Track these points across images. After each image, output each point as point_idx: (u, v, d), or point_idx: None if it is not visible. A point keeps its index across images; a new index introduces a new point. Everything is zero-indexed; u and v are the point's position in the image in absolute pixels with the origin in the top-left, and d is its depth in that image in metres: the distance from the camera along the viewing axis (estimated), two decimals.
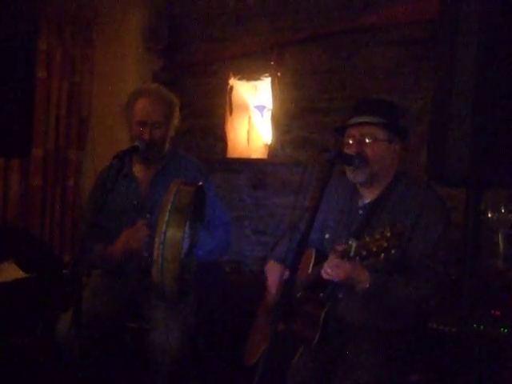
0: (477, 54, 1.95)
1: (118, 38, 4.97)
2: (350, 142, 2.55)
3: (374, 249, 2.12)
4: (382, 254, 2.12)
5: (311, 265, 2.62)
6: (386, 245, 2.10)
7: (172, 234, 2.51)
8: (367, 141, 2.51)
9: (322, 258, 2.56)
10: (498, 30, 1.90)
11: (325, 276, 2.37)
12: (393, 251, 2.10)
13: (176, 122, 3.07)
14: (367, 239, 2.15)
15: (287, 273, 2.19)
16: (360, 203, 2.64)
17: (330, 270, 2.34)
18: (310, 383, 2.50)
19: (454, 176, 2.06)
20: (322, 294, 2.56)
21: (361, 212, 2.61)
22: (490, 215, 2.84)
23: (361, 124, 2.54)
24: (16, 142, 4.61)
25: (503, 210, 2.82)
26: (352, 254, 2.20)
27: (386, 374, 2.40)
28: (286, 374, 2.55)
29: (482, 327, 2.66)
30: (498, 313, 2.71)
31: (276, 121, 4.47)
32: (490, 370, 2.56)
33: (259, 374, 1.93)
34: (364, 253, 2.17)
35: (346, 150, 2.55)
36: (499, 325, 2.66)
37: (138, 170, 3.08)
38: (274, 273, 2.77)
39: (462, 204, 2.61)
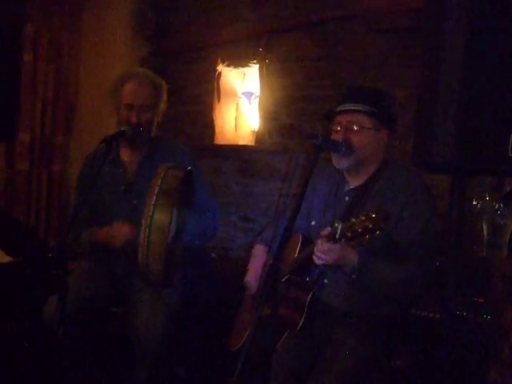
0: (464, 43, 1.96)
1: (106, 23, 4.94)
2: (338, 128, 2.56)
3: (360, 230, 2.14)
4: (367, 235, 2.13)
5: (298, 249, 2.64)
6: (370, 226, 2.11)
7: (159, 218, 2.51)
8: (354, 128, 2.52)
9: (308, 243, 2.58)
10: (486, 17, 1.92)
11: (317, 261, 2.38)
12: (377, 232, 2.11)
13: (163, 106, 3.06)
14: (353, 221, 2.17)
15: (271, 260, 2.21)
16: (346, 189, 2.65)
17: (321, 254, 2.35)
18: (296, 368, 2.51)
19: (439, 163, 2.08)
20: (308, 279, 2.57)
21: (347, 198, 2.62)
22: (474, 203, 2.86)
23: (348, 111, 2.55)
24: (2, 127, 4.59)
25: (488, 198, 2.84)
26: (338, 235, 2.21)
27: (371, 359, 2.43)
28: (271, 358, 2.57)
29: (465, 314, 2.68)
30: (481, 300, 2.74)
31: (264, 108, 4.47)
32: (472, 357, 2.59)
33: (243, 359, 1.94)
34: (349, 234, 2.18)
35: (333, 137, 2.55)
36: (482, 311, 2.69)
37: (125, 154, 3.07)
38: (258, 257, 2.80)
39: (446, 192, 2.64)
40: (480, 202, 2.84)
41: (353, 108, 2.54)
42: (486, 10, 1.90)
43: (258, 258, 2.85)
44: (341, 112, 2.57)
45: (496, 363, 2.56)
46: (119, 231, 2.85)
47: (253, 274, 2.84)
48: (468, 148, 2.01)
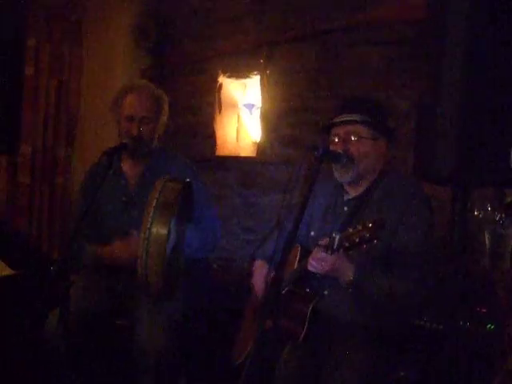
0: (464, 55, 1.96)
1: (107, 35, 4.96)
2: (336, 140, 2.58)
3: (357, 240, 2.16)
4: (365, 245, 2.15)
5: (297, 261, 2.64)
6: (368, 235, 2.13)
7: (157, 231, 2.52)
8: (352, 139, 2.53)
9: (307, 254, 2.58)
10: (486, 30, 1.92)
11: (310, 268, 2.40)
12: (375, 241, 2.13)
13: (165, 118, 3.06)
14: (350, 231, 2.18)
15: (273, 273, 2.21)
16: (345, 199, 2.66)
17: (315, 262, 2.36)
18: (298, 380, 2.50)
19: (441, 174, 2.09)
20: (308, 290, 2.57)
21: (346, 208, 2.63)
22: (476, 213, 2.86)
23: (345, 122, 2.56)
24: (4, 139, 4.58)
25: (489, 209, 2.84)
26: (335, 246, 2.22)
27: (373, 371, 2.41)
28: (274, 371, 2.56)
29: (467, 324, 2.68)
30: (483, 310, 2.73)
31: (265, 119, 4.47)
32: (476, 367, 2.58)
33: (246, 372, 1.93)
34: (347, 244, 2.19)
35: (332, 148, 2.56)
36: (485, 322, 2.68)
37: (126, 166, 3.08)
38: (260, 272, 2.79)
39: (447, 203, 2.64)
40: (482, 212, 2.84)
41: (349, 118, 2.55)
42: (486, 21, 1.90)
43: (260, 273, 2.83)
44: (338, 123, 2.58)
45: (500, 373, 2.55)
46: (122, 250, 2.86)
47: (258, 286, 2.83)
48: (469, 159, 2.01)
